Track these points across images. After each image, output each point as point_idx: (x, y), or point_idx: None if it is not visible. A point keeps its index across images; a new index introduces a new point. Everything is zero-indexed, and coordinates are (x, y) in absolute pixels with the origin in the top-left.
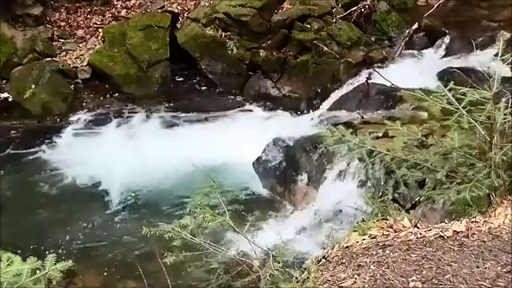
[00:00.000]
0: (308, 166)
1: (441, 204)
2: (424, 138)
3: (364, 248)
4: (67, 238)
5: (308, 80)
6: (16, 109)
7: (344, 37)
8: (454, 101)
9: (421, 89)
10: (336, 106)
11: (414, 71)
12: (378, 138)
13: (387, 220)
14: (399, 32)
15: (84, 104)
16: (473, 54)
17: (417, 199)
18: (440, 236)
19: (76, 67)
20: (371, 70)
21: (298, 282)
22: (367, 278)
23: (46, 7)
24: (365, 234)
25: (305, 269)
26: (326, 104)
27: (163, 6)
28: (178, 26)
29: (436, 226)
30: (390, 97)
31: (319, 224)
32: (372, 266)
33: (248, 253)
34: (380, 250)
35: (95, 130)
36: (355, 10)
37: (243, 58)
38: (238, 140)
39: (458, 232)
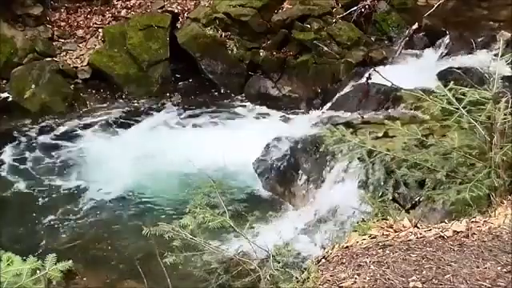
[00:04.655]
0: (308, 166)
1: (441, 204)
2: (424, 138)
3: (364, 248)
4: (67, 238)
5: (308, 80)
6: (16, 109)
7: (344, 37)
8: (454, 101)
9: (421, 89)
10: (336, 106)
11: (413, 71)
12: (377, 138)
13: (387, 220)
14: (399, 32)
15: (84, 104)
16: (473, 53)
17: (417, 199)
18: (440, 236)
19: (76, 67)
20: (371, 70)
21: (298, 282)
22: (367, 278)
23: (46, 7)
24: (365, 234)
25: (305, 269)
26: (326, 104)
27: (163, 6)
28: (178, 25)
29: (436, 226)
30: (390, 97)
31: (319, 224)
32: (372, 266)
33: (248, 253)
34: (380, 250)
35: (95, 130)
36: (355, 10)
37: (243, 58)
38: (237, 140)
39: (458, 232)
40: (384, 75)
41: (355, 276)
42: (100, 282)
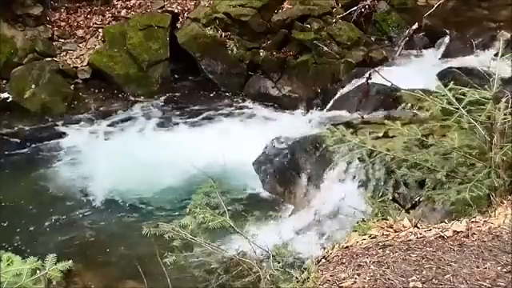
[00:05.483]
0: (308, 166)
1: (441, 204)
2: (424, 138)
3: (364, 248)
4: (67, 238)
5: (308, 80)
6: (16, 109)
7: (344, 37)
8: (454, 101)
9: (421, 89)
10: (336, 105)
11: (413, 71)
12: (377, 138)
13: (387, 220)
14: (399, 32)
15: (84, 104)
16: (473, 54)
17: (417, 199)
18: (440, 236)
19: (76, 67)
20: (371, 70)
21: (298, 282)
22: (367, 278)
23: (46, 7)
24: (365, 234)
25: (305, 269)
26: (326, 104)
27: (163, 6)
28: (178, 25)
29: (436, 226)
30: (390, 97)
31: (319, 224)
32: (372, 266)
33: (248, 253)
34: (380, 250)
35: (94, 130)
36: (355, 10)
37: (243, 58)
38: (238, 140)
39: (458, 232)
40: (384, 75)
41: (355, 276)
42: (100, 282)
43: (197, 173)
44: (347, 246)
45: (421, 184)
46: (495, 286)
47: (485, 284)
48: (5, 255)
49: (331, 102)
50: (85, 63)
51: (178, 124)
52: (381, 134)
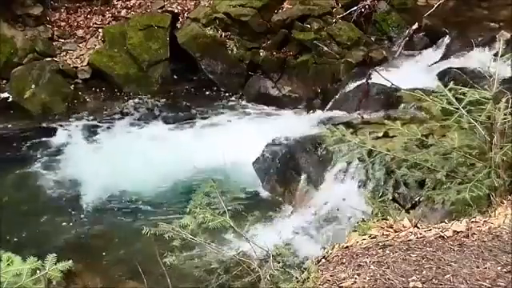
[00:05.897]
0: (308, 166)
1: (441, 204)
2: (424, 138)
3: (364, 248)
4: (67, 238)
5: (308, 80)
6: (16, 109)
7: (344, 37)
8: (454, 101)
9: (421, 89)
10: (336, 105)
11: (414, 71)
12: (378, 138)
13: (387, 220)
14: (399, 32)
15: (84, 104)
16: (473, 53)
17: (417, 199)
18: (440, 236)
19: (76, 67)
20: (371, 70)
21: (298, 282)
22: (367, 278)
23: (46, 7)
24: (365, 234)
25: (305, 269)
26: (326, 104)
27: (163, 6)
28: (178, 25)
29: (436, 226)
30: (390, 97)
31: (319, 224)
32: (372, 266)
33: (248, 253)
34: (380, 250)
35: (95, 130)
36: (355, 10)
37: (243, 58)
38: (238, 140)
39: (458, 232)
40: (384, 75)
41: (355, 276)
42: (100, 282)
43: (197, 173)
44: (347, 246)
45: (421, 184)
46: (495, 285)
47: (485, 284)
48: (5, 255)
49: (331, 102)
50: (85, 63)
51: (177, 124)
52: (381, 134)
